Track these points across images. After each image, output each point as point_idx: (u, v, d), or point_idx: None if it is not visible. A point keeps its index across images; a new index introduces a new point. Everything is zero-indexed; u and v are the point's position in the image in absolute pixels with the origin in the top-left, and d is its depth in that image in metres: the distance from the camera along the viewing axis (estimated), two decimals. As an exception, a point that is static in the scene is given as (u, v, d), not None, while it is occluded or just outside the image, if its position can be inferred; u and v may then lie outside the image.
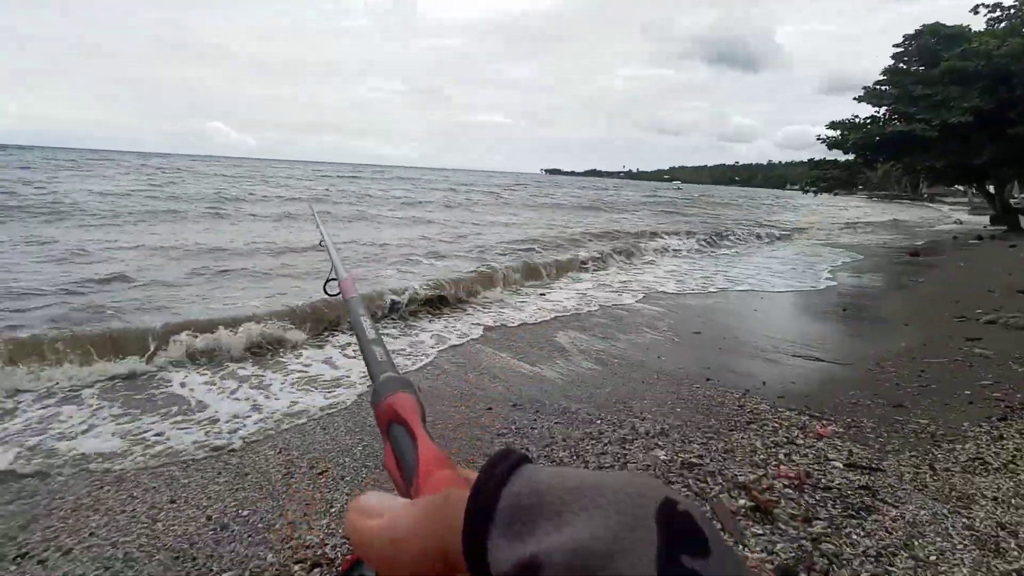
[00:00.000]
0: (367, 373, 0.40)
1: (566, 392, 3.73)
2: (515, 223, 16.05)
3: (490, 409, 3.41)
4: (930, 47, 18.56)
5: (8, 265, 6.77)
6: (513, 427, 3.14)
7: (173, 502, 2.36)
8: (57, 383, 3.51)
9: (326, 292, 0.81)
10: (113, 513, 2.26)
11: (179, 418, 3.17)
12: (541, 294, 6.97)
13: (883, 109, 19.99)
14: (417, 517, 0.18)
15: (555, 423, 3.21)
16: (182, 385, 3.64)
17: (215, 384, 3.70)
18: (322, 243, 1.11)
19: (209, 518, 2.25)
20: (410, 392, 0.32)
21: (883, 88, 19.79)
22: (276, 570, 1.95)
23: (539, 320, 5.66)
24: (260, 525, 2.22)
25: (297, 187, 25.60)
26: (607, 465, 2.70)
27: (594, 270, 8.83)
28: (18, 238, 8.65)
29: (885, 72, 19.89)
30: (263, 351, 4.31)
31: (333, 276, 0.82)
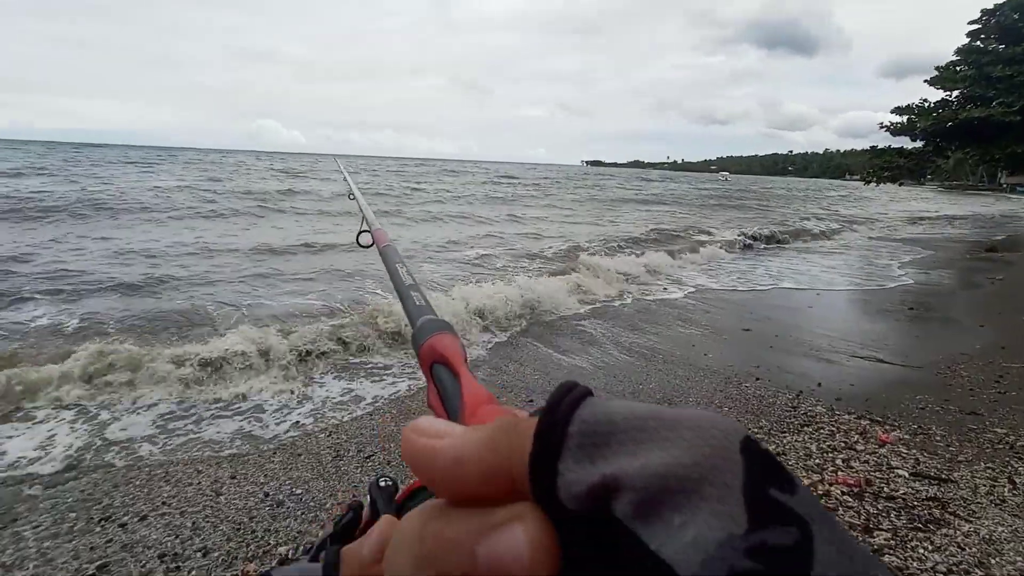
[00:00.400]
0: (406, 318, 0.40)
1: (607, 387, 3.68)
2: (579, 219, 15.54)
3: (531, 401, 3.41)
4: (1012, 23, 16.95)
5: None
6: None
7: (233, 478, 2.49)
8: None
9: (359, 243, 0.81)
10: (182, 485, 2.42)
11: (238, 405, 3.34)
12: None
13: (956, 93, 18.46)
14: (483, 439, 0.17)
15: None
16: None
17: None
18: (351, 195, 1.11)
19: (266, 495, 2.36)
20: (451, 332, 0.32)
21: (957, 69, 18.27)
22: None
23: (573, 312, 5.59)
24: (312, 504, 2.32)
25: (379, 185, 24.28)
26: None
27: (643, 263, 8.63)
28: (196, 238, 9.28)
29: (959, 52, 18.36)
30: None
31: (365, 228, 0.82)
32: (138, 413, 3.09)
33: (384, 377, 3.75)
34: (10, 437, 2.75)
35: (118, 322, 4.52)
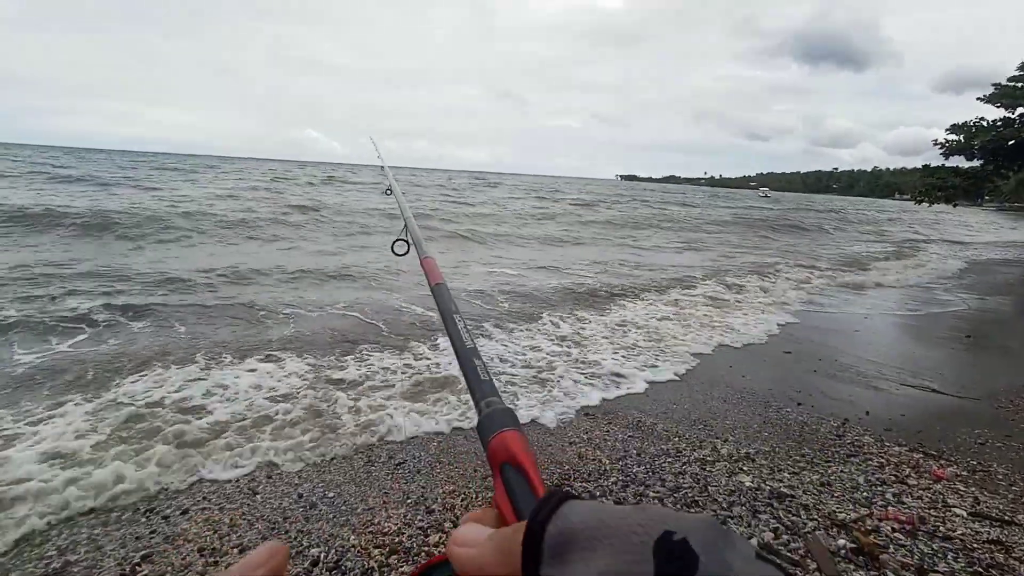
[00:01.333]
0: (468, 392, 0.37)
1: (639, 405, 3.61)
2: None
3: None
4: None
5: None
6: (584, 436, 3.08)
7: (269, 478, 2.56)
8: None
9: (394, 251, 0.73)
10: (221, 483, 2.50)
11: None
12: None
13: (1019, 111, 17.45)
14: (494, 549, 0.24)
15: (629, 436, 3.11)
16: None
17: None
18: (388, 190, 1.04)
19: (300, 496, 2.41)
20: (519, 429, 0.31)
21: (1018, 86, 17.30)
22: (358, 552, 2.05)
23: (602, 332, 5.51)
24: (344, 507, 2.35)
25: (425, 198, 22.65)
26: (685, 486, 2.56)
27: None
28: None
29: (1023, 67, 17.38)
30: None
31: (405, 237, 0.74)
32: (183, 409, 3.22)
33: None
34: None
35: None
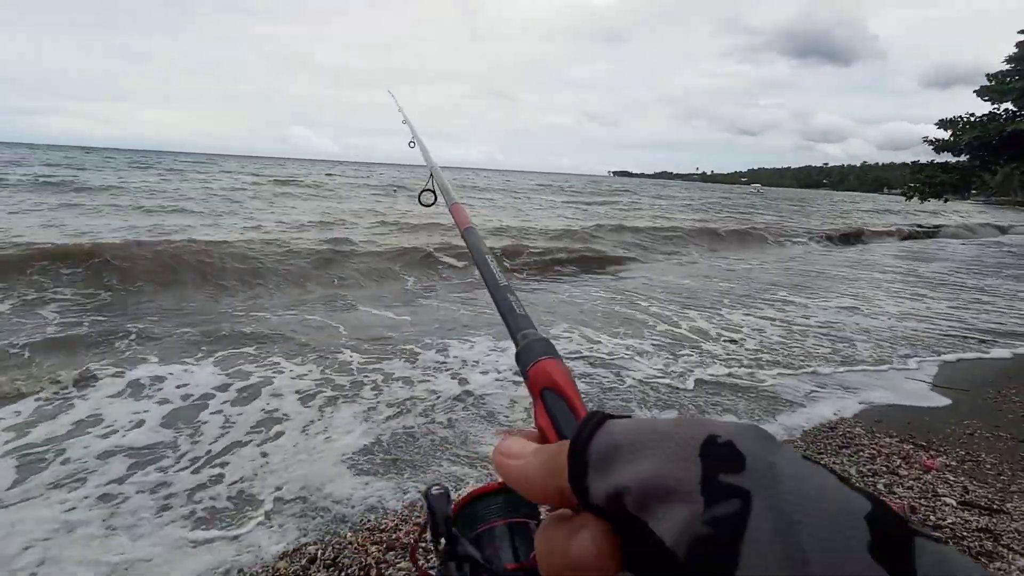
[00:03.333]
0: (505, 326, 0.37)
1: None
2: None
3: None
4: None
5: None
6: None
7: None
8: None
9: (421, 202, 0.71)
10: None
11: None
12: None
13: (1004, 105, 17.64)
14: (540, 463, 0.24)
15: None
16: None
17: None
18: (412, 143, 0.98)
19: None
20: (558, 358, 0.32)
21: (1006, 81, 17.48)
22: (355, 549, 2.05)
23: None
24: (342, 504, 2.34)
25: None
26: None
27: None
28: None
29: (1010, 60, 17.56)
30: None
31: (431, 187, 0.71)
32: (176, 408, 3.19)
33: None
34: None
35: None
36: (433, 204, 0.68)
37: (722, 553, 0.17)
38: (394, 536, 2.12)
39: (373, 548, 2.05)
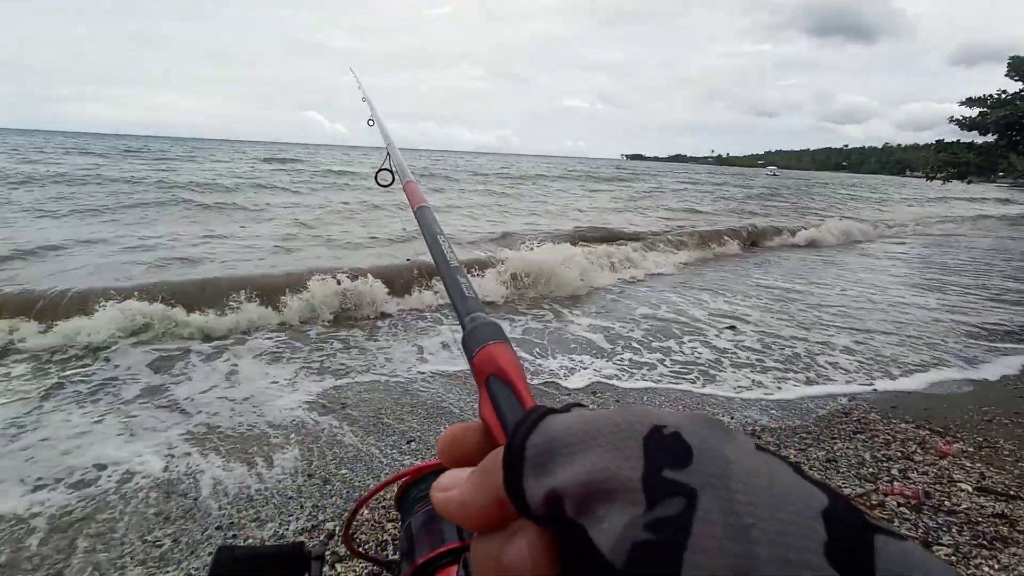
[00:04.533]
0: (452, 308, 0.35)
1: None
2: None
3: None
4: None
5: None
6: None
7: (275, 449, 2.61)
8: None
9: (377, 181, 0.69)
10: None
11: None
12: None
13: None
14: (475, 481, 0.22)
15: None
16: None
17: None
18: (371, 120, 0.96)
19: (310, 476, 2.46)
20: (507, 343, 0.30)
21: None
22: (371, 526, 2.10)
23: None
24: (357, 483, 2.40)
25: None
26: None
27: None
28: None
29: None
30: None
31: (388, 167, 0.69)
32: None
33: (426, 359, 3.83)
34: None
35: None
36: (391, 184, 0.66)
37: (663, 562, 0.15)
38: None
39: (390, 526, 2.10)
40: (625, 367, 3.89)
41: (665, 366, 3.94)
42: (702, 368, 3.91)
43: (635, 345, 4.34)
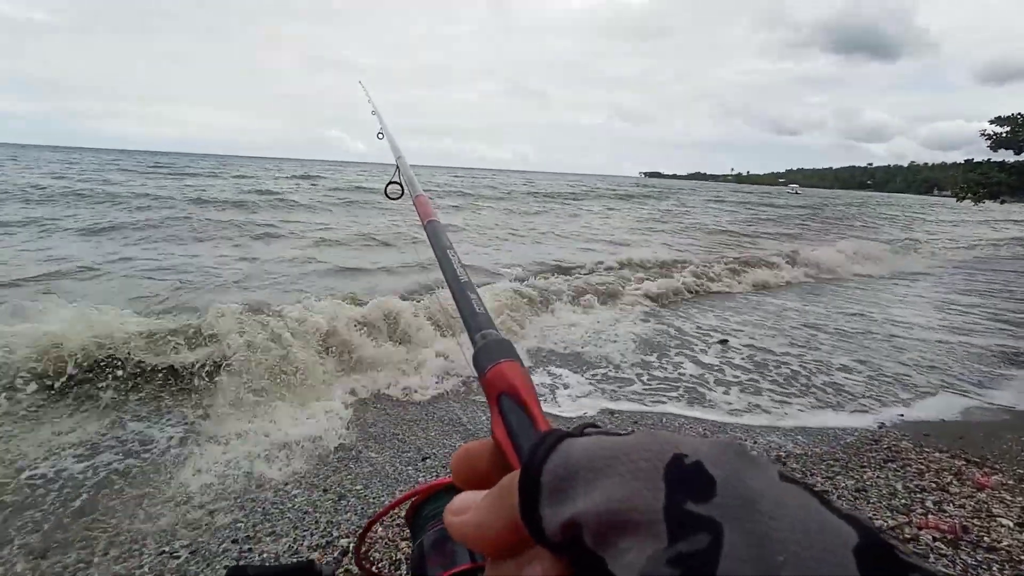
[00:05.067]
0: (463, 324, 0.34)
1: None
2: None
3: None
4: None
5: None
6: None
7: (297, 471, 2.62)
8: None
9: (387, 195, 0.69)
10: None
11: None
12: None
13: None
14: (490, 504, 0.22)
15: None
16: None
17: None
18: (380, 134, 0.96)
19: (325, 490, 2.46)
20: (518, 361, 0.29)
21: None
22: (385, 544, 2.08)
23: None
24: (372, 499, 2.39)
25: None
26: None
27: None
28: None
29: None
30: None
31: (397, 179, 0.69)
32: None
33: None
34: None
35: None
36: (400, 197, 0.65)
37: None
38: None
39: (404, 544, 2.08)
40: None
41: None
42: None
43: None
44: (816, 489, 0.17)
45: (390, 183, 0.69)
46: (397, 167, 0.70)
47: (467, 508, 0.23)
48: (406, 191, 0.64)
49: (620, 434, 0.21)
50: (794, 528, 0.15)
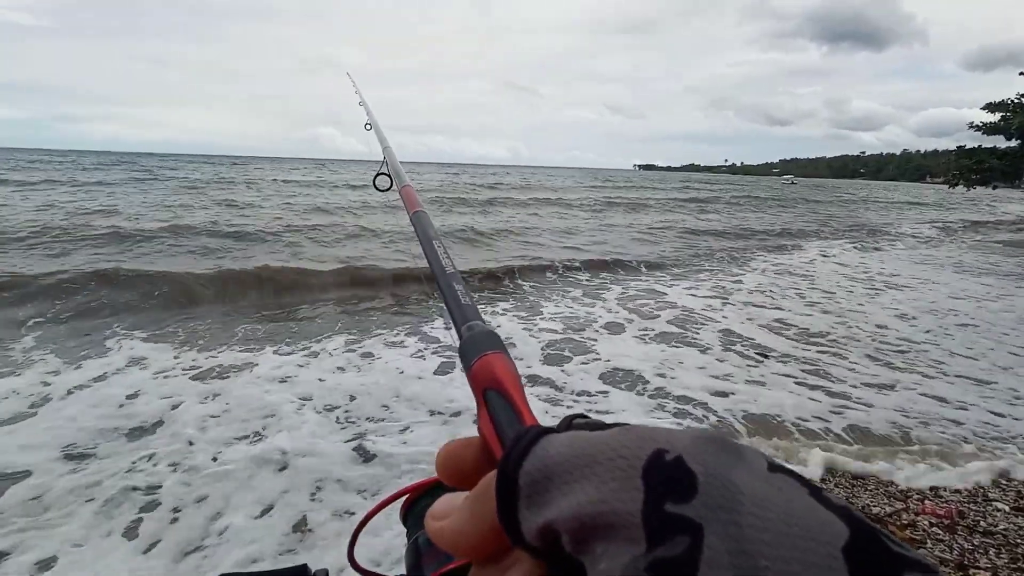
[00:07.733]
0: (449, 315, 0.34)
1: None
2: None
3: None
4: None
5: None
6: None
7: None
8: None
9: (375, 185, 0.68)
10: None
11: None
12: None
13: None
14: (469, 509, 0.21)
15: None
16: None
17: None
18: (368, 124, 0.96)
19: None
20: (505, 353, 0.28)
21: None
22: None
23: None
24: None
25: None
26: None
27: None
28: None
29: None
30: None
31: (385, 171, 0.69)
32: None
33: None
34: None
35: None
36: (389, 188, 0.65)
37: None
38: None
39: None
40: (643, 381, 3.83)
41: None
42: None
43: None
44: (806, 479, 0.16)
45: (379, 174, 0.68)
46: (385, 159, 0.70)
47: (448, 513, 0.22)
48: (393, 182, 0.64)
49: (602, 427, 0.20)
50: (779, 526, 0.15)
